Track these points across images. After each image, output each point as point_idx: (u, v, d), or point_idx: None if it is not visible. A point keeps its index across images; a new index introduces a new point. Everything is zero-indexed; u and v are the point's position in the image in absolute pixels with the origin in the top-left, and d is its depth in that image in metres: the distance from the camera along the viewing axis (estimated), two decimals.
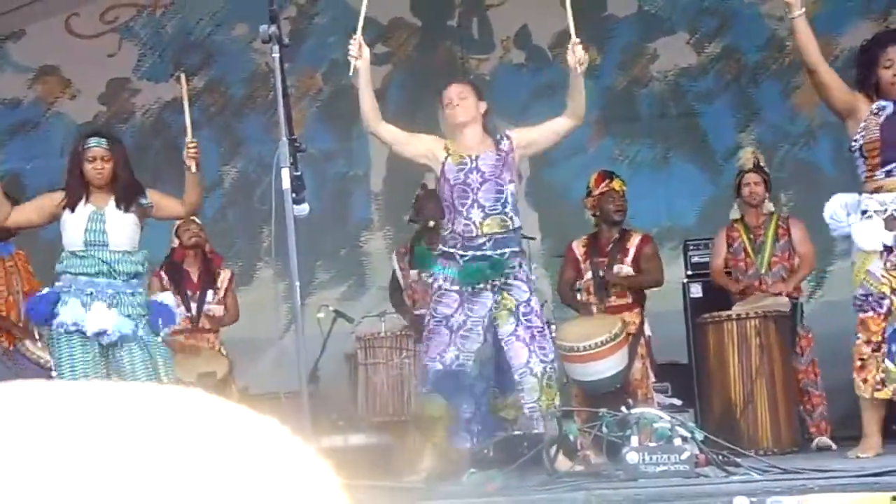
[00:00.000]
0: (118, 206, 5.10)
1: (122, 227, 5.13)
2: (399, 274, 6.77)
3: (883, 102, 4.63)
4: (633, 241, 6.37)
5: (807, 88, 8.30)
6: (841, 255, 7.55)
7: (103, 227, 5.10)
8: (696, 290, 7.11)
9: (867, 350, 4.60)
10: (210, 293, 6.59)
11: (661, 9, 8.51)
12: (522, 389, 4.86)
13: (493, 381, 5.07)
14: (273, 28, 3.60)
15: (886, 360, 4.56)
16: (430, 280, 5.07)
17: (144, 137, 8.53)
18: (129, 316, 5.03)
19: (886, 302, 4.55)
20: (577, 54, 4.90)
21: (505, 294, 4.91)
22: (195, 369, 6.19)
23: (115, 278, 5.05)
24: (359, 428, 6.41)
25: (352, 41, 4.88)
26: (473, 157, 4.96)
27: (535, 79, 8.27)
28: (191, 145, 5.31)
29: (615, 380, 5.90)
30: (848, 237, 4.71)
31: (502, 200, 4.92)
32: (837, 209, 4.67)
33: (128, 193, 5.11)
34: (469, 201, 4.91)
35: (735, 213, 6.68)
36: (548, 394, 4.85)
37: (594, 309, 6.30)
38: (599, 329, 5.86)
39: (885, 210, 4.52)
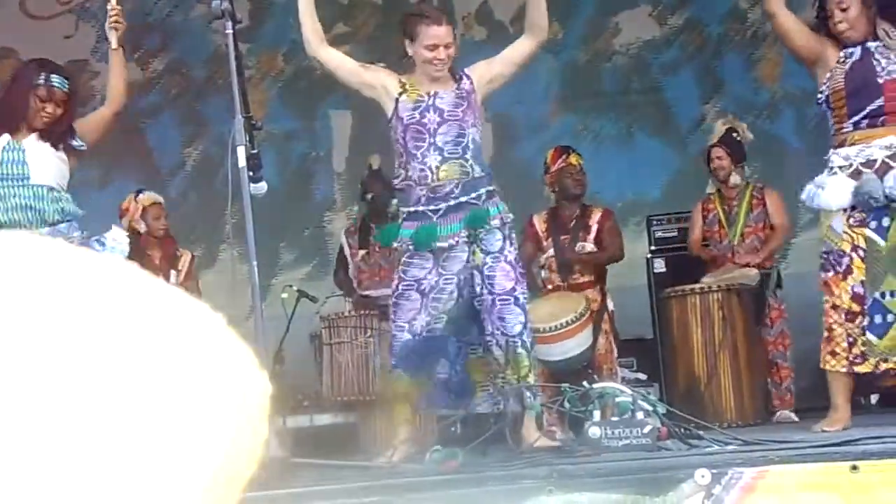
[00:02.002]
0: (43, 139, 4.44)
1: (46, 161, 4.41)
2: (347, 252, 6.77)
3: (851, 49, 4.32)
4: (595, 218, 6.35)
5: (770, 60, 8.36)
6: (807, 226, 7.59)
7: (23, 158, 4.39)
8: (660, 265, 7.13)
9: (834, 317, 4.26)
10: (172, 275, 6.57)
11: None
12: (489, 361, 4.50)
13: (468, 341, 4.55)
14: (225, 3, 3.55)
15: (868, 333, 4.19)
16: (398, 245, 4.56)
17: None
18: None
19: (846, 260, 4.23)
20: None
21: (476, 248, 4.43)
22: None
23: (38, 223, 4.30)
24: (324, 408, 6.41)
25: None
26: (431, 94, 4.47)
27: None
28: (112, 12, 4.64)
29: (581, 358, 5.90)
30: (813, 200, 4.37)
31: (463, 144, 4.42)
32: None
33: (59, 135, 4.49)
34: (425, 144, 4.41)
35: (710, 187, 6.69)
36: (513, 368, 4.40)
37: (557, 287, 6.28)
38: (564, 309, 5.85)
39: (851, 165, 4.22)
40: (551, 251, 6.33)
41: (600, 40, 8.49)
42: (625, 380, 6.48)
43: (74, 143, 4.52)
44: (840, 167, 4.23)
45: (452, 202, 4.40)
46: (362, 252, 6.75)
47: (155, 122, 8.55)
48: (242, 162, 3.45)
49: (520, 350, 4.40)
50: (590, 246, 6.30)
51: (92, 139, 4.66)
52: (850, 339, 4.23)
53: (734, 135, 6.52)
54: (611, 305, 6.33)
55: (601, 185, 7.54)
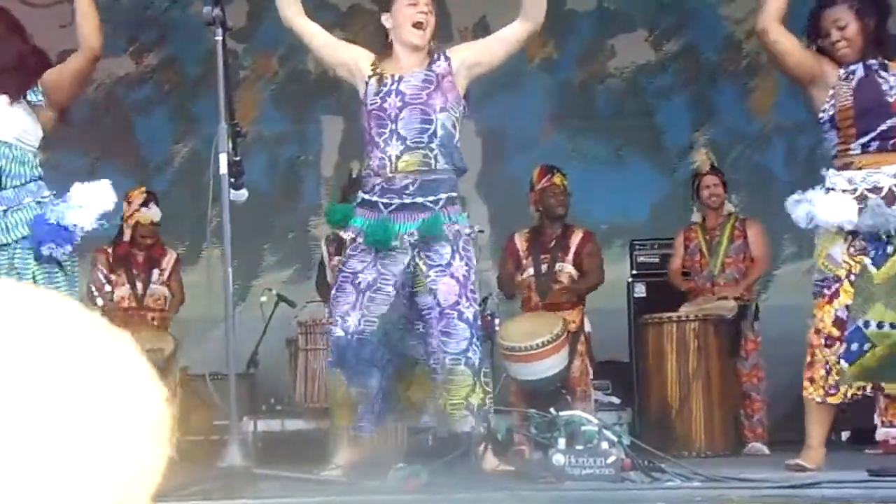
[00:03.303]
0: None
1: (4, 113, 3.85)
2: (325, 259, 6.77)
3: (852, 66, 4.09)
4: (575, 239, 6.35)
5: (763, 91, 8.40)
6: (789, 259, 7.62)
7: None
8: (640, 290, 7.16)
9: (815, 342, 4.04)
10: (155, 273, 6.59)
11: (620, 5, 8.53)
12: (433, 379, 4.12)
13: (399, 352, 4.16)
14: (216, 10, 3.55)
15: (842, 360, 3.99)
16: (347, 234, 4.23)
17: (96, 112, 8.40)
18: (4, 245, 3.76)
19: (836, 286, 4.01)
20: None
21: (421, 255, 4.07)
22: (142, 345, 6.14)
23: None
24: (297, 413, 6.40)
25: None
26: (395, 78, 4.10)
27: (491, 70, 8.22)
28: None
29: (556, 378, 5.90)
30: (811, 220, 4.05)
31: (429, 133, 4.02)
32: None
33: (16, 87, 3.88)
34: (387, 131, 4.05)
35: (696, 216, 6.66)
36: (450, 389, 4.04)
37: (536, 307, 6.28)
38: (542, 328, 5.85)
39: (855, 189, 3.97)
40: (531, 270, 6.34)
41: (595, 62, 8.51)
42: (598, 402, 6.50)
43: (30, 97, 3.89)
44: (844, 190, 3.99)
45: (407, 200, 4.05)
46: (337, 258, 6.75)
47: (145, 116, 8.54)
48: (224, 169, 3.44)
49: (462, 368, 4.03)
50: (568, 266, 6.30)
51: (67, 92, 4.01)
52: (827, 367, 4.03)
53: (714, 164, 6.56)
54: (588, 327, 6.34)
55: (588, 205, 7.57)
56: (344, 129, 8.24)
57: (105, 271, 6.52)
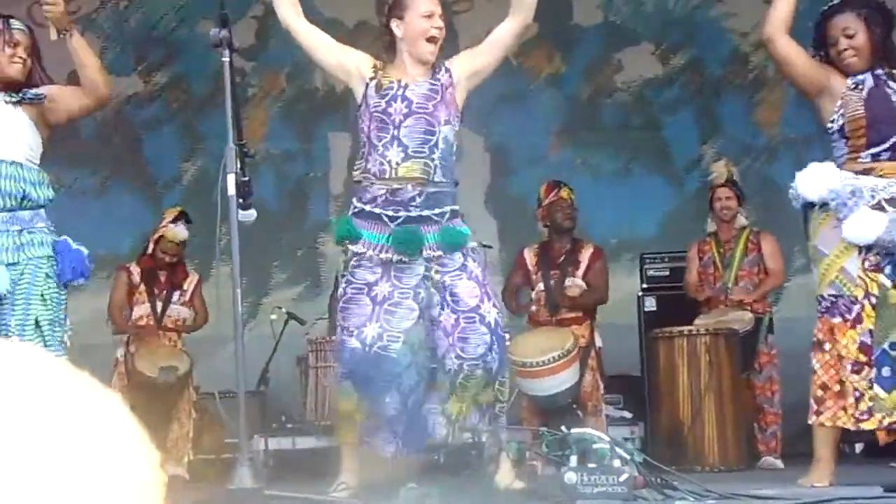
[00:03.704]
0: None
1: (9, 124, 3.83)
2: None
3: (860, 76, 4.03)
4: (585, 255, 6.35)
5: (770, 104, 8.40)
6: (800, 271, 7.59)
7: None
8: (651, 304, 7.14)
9: (839, 371, 3.92)
10: (176, 294, 6.61)
11: (626, 19, 8.53)
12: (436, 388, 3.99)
13: (429, 373, 4.01)
14: (223, 32, 3.56)
15: (876, 386, 3.88)
16: (349, 245, 4.07)
17: (105, 130, 8.44)
18: (14, 264, 3.77)
19: (856, 308, 3.91)
20: None
21: (434, 265, 3.98)
22: (157, 362, 6.21)
23: None
24: (307, 431, 6.40)
25: None
26: (402, 84, 4.02)
27: (499, 86, 8.22)
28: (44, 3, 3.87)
29: (568, 394, 5.90)
30: (813, 205, 4.01)
31: (431, 143, 3.96)
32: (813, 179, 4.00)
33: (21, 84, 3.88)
34: (388, 136, 3.95)
35: (711, 226, 6.68)
36: (461, 398, 3.92)
37: (546, 321, 6.27)
38: (553, 344, 5.85)
39: (874, 196, 3.88)
40: (541, 285, 6.33)
41: (602, 76, 8.52)
42: (609, 417, 6.48)
43: (32, 94, 3.88)
44: (870, 194, 3.89)
45: (414, 212, 3.95)
46: None
47: (154, 135, 8.57)
48: (232, 190, 3.45)
49: (479, 372, 3.92)
50: (579, 281, 6.30)
51: (64, 119, 4.01)
52: (857, 394, 3.91)
53: (734, 176, 6.56)
54: (599, 342, 6.33)
55: (597, 219, 7.57)
56: (352, 145, 8.24)
57: (125, 290, 6.55)
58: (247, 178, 3.62)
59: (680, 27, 8.48)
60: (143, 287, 6.56)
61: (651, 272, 7.30)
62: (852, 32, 4.02)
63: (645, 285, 7.30)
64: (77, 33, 3.95)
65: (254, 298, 8.16)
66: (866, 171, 3.93)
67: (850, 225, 3.88)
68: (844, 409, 3.95)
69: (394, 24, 4.08)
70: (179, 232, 6.59)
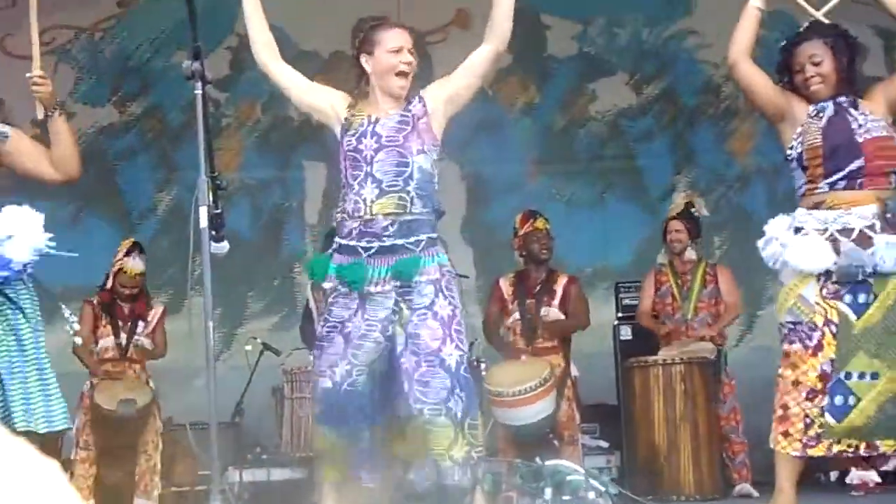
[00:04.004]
0: None
1: None
2: (313, 305, 6.76)
3: (822, 104, 4.00)
4: (560, 283, 6.38)
5: (742, 133, 8.47)
6: (771, 300, 7.63)
7: None
8: (626, 333, 7.16)
9: (793, 395, 3.86)
10: (140, 325, 6.59)
11: (600, 50, 8.61)
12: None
13: (389, 403, 3.96)
14: (196, 64, 3.55)
15: (826, 414, 3.83)
16: (328, 284, 4.06)
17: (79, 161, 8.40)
18: None
19: (817, 335, 3.86)
20: None
21: (405, 298, 3.91)
22: (116, 395, 6.17)
23: None
24: (283, 462, 6.36)
25: None
26: (371, 119, 3.97)
27: (474, 115, 8.24)
28: (33, 76, 3.87)
29: (544, 424, 5.90)
30: (778, 262, 3.98)
31: (405, 176, 3.89)
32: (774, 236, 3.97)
33: None
34: (362, 174, 3.90)
35: (662, 258, 6.74)
36: (426, 441, 3.86)
37: (521, 351, 6.28)
38: (529, 373, 5.86)
39: (826, 229, 3.86)
40: (517, 314, 6.34)
41: (577, 106, 8.58)
42: (586, 447, 6.49)
43: None
44: (815, 230, 3.87)
45: (387, 242, 3.90)
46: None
47: (128, 165, 8.56)
48: (204, 222, 3.44)
49: (441, 419, 3.83)
50: (554, 311, 6.32)
51: (16, 165, 3.95)
52: (808, 420, 3.86)
53: (692, 210, 6.61)
54: (575, 371, 6.34)
55: (572, 248, 7.60)
56: (327, 175, 8.26)
57: (91, 324, 6.52)
58: (219, 211, 3.60)
59: (653, 58, 8.56)
60: (106, 319, 6.55)
61: (626, 301, 7.33)
62: (819, 60, 4.01)
63: (620, 314, 7.33)
64: (61, 116, 3.96)
65: (228, 328, 8.14)
66: (819, 204, 3.90)
67: (793, 251, 3.88)
68: (786, 433, 3.90)
69: (363, 60, 4.06)
70: (136, 264, 6.58)
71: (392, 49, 3.98)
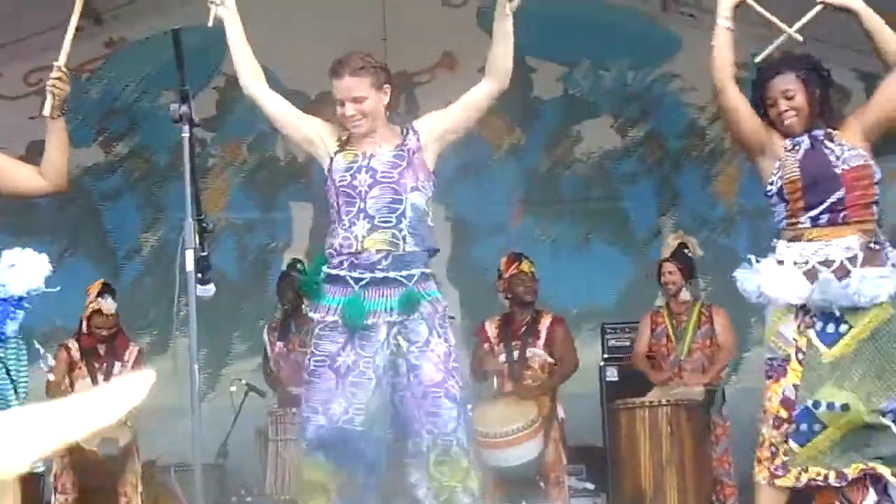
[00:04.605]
0: None
1: None
2: (268, 348, 6.76)
3: (798, 137, 3.96)
4: (545, 323, 6.40)
5: (727, 176, 8.52)
6: (757, 341, 7.64)
7: None
8: (612, 374, 7.16)
9: (764, 423, 3.84)
10: (117, 366, 6.56)
11: (586, 93, 8.67)
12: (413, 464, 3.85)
13: (391, 442, 3.88)
14: (184, 107, 3.56)
15: (790, 440, 3.79)
16: (311, 312, 4.02)
17: (63, 202, 8.42)
18: None
19: (785, 365, 3.82)
20: None
21: (399, 333, 3.85)
22: (97, 435, 6.12)
23: None
24: None
25: None
26: (367, 155, 3.91)
27: (460, 156, 8.30)
28: (55, 74, 3.91)
29: (531, 465, 5.89)
30: (760, 294, 3.91)
31: (398, 212, 3.83)
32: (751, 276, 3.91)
33: None
34: (355, 209, 3.85)
35: (660, 300, 6.74)
36: (448, 471, 3.79)
37: (508, 393, 6.27)
38: (516, 415, 5.87)
39: (807, 262, 3.81)
40: (503, 357, 6.35)
41: (562, 148, 8.64)
42: (572, 489, 6.47)
43: None
44: (795, 263, 3.82)
45: (379, 274, 3.82)
46: (280, 344, 6.76)
47: (114, 206, 8.56)
48: (191, 266, 3.44)
49: (455, 449, 3.78)
50: (540, 352, 6.33)
51: (7, 192, 3.93)
52: (773, 449, 3.82)
53: (685, 250, 6.63)
54: (561, 413, 6.34)
55: (557, 289, 7.62)
56: (314, 216, 8.27)
57: (65, 369, 6.50)
58: (205, 253, 3.60)
59: (638, 101, 8.63)
60: (83, 363, 6.53)
61: (612, 342, 7.34)
62: (792, 94, 3.97)
63: (606, 355, 7.33)
64: (63, 120, 3.94)
65: (213, 369, 8.11)
66: (798, 237, 3.85)
67: (770, 284, 3.84)
68: (759, 460, 3.85)
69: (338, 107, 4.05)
70: (110, 304, 6.57)
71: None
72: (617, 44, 8.55)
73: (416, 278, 3.84)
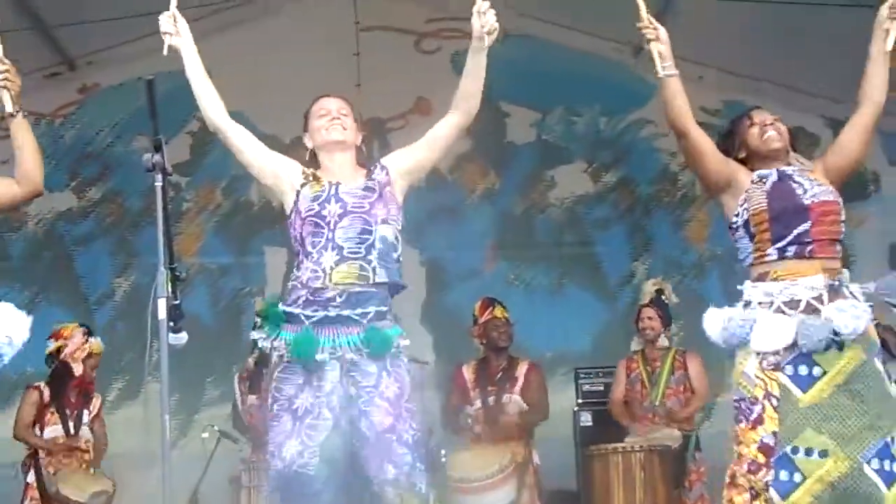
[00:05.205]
0: None
1: None
2: (238, 398, 6.73)
3: (764, 171, 3.91)
4: (521, 370, 6.42)
5: (698, 221, 8.59)
6: (730, 386, 7.68)
7: None
8: (586, 419, 7.16)
9: (738, 467, 3.74)
10: (86, 413, 6.56)
11: (559, 138, 8.74)
12: None
13: (349, 485, 3.79)
14: (157, 156, 3.56)
15: (771, 489, 3.68)
16: (262, 342, 3.92)
17: (36, 247, 8.41)
18: None
19: (757, 408, 3.73)
20: (485, 19, 3.82)
21: (350, 374, 3.76)
22: (85, 488, 6.16)
23: None
24: None
25: (162, 17, 3.97)
26: (333, 184, 3.86)
27: (432, 201, 8.34)
28: (2, 68, 3.83)
29: None
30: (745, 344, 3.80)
31: (368, 243, 3.75)
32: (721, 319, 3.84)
33: None
34: (322, 240, 3.78)
35: (636, 345, 6.76)
36: None
37: (483, 439, 6.27)
38: (490, 460, 5.87)
39: (772, 303, 3.76)
40: (479, 402, 6.35)
41: (536, 192, 8.69)
42: None
43: None
44: (760, 303, 3.76)
45: (332, 312, 3.76)
46: (252, 397, 6.71)
47: (86, 251, 8.52)
48: (163, 314, 3.42)
49: (408, 495, 3.71)
50: (516, 398, 6.34)
51: None
52: (753, 492, 3.72)
53: (662, 297, 6.67)
54: (536, 459, 6.33)
55: (531, 333, 7.62)
56: (288, 261, 8.23)
57: (34, 410, 6.44)
58: (178, 302, 3.58)
59: (611, 146, 8.71)
60: (54, 408, 6.46)
61: (586, 387, 7.35)
62: (773, 119, 3.99)
63: (580, 400, 7.34)
64: (26, 121, 3.90)
65: (186, 415, 8.05)
66: (764, 276, 3.79)
67: (756, 337, 3.75)
68: (731, 500, 3.75)
69: (305, 139, 4.05)
70: (100, 344, 6.58)
71: (320, 114, 3.97)
72: (590, 90, 8.64)
73: (370, 316, 3.77)
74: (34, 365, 7.18)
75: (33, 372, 7.55)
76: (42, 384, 6.54)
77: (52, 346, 6.60)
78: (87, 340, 6.55)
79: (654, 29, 3.94)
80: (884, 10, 4.04)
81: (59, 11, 7.39)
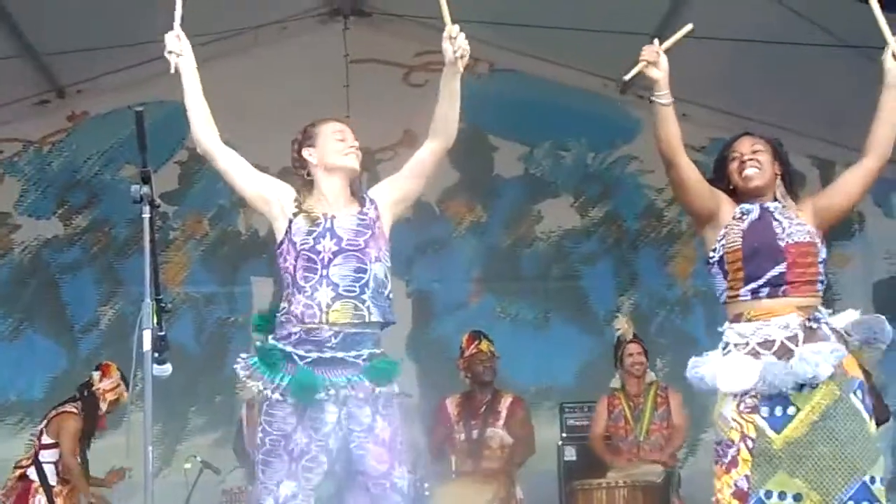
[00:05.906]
0: None
1: None
2: (244, 423, 6.70)
3: (747, 206, 3.83)
4: (505, 403, 6.43)
5: (684, 257, 8.62)
6: (713, 423, 7.69)
7: None
8: (571, 453, 7.16)
9: None
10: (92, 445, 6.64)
11: (546, 172, 8.77)
12: None
13: None
14: (145, 188, 3.57)
15: None
16: (250, 381, 3.86)
17: (21, 274, 8.39)
18: None
19: (732, 451, 3.67)
20: (457, 44, 3.78)
21: (345, 415, 3.73)
22: None
23: None
24: None
25: (168, 36, 3.90)
26: (328, 217, 3.80)
27: (421, 234, 8.37)
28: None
29: None
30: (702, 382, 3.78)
31: (362, 282, 3.72)
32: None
33: None
34: (316, 276, 3.72)
35: (616, 382, 6.77)
36: None
37: (467, 472, 6.26)
38: (474, 494, 5.86)
39: (747, 343, 3.70)
40: (462, 436, 6.35)
41: (523, 226, 8.71)
42: None
43: None
44: (735, 345, 3.71)
45: (327, 353, 3.71)
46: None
47: (72, 279, 8.50)
48: (148, 346, 3.42)
49: None
50: (500, 432, 6.35)
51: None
52: None
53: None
54: (520, 493, 6.33)
55: (517, 367, 7.63)
56: (274, 291, 8.24)
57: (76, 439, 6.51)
58: (163, 333, 3.57)
59: (598, 181, 8.75)
60: (82, 439, 6.59)
61: (571, 421, 7.35)
62: (759, 150, 3.89)
63: (565, 434, 7.33)
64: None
65: (168, 444, 8.01)
66: (738, 316, 3.73)
67: (721, 376, 3.70)
68: None
69: (306, 154, 3.93)
70: (127, 396, 6.64)
71: (336, 133, 3.91)
72: (577, 125, 8.68)
73: (364, 358, 3.75)
74: (19, 393, 7.18)
75: (18, 399, 7.54)
76: (77, 410, 6.56)
77: (96, 375, 6.67)
78: (119, 386, 6.60)
79: (657, 53, 3.84)
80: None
81: (50, 39, 7.40)
